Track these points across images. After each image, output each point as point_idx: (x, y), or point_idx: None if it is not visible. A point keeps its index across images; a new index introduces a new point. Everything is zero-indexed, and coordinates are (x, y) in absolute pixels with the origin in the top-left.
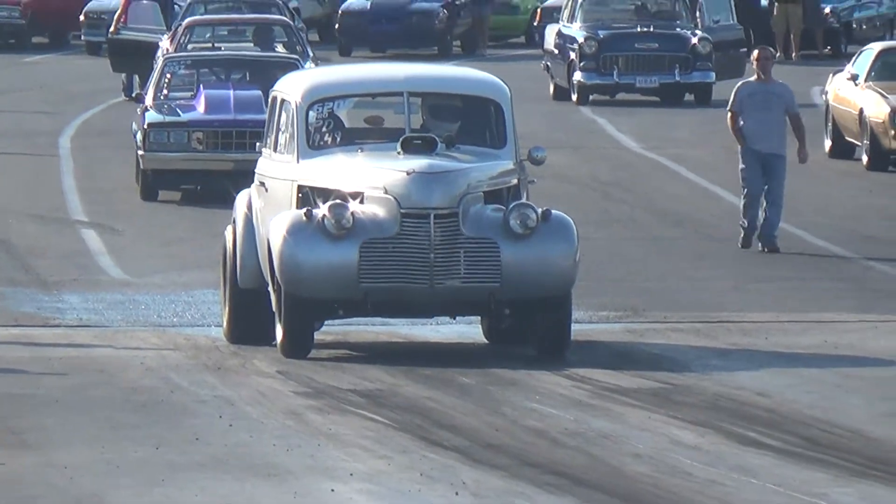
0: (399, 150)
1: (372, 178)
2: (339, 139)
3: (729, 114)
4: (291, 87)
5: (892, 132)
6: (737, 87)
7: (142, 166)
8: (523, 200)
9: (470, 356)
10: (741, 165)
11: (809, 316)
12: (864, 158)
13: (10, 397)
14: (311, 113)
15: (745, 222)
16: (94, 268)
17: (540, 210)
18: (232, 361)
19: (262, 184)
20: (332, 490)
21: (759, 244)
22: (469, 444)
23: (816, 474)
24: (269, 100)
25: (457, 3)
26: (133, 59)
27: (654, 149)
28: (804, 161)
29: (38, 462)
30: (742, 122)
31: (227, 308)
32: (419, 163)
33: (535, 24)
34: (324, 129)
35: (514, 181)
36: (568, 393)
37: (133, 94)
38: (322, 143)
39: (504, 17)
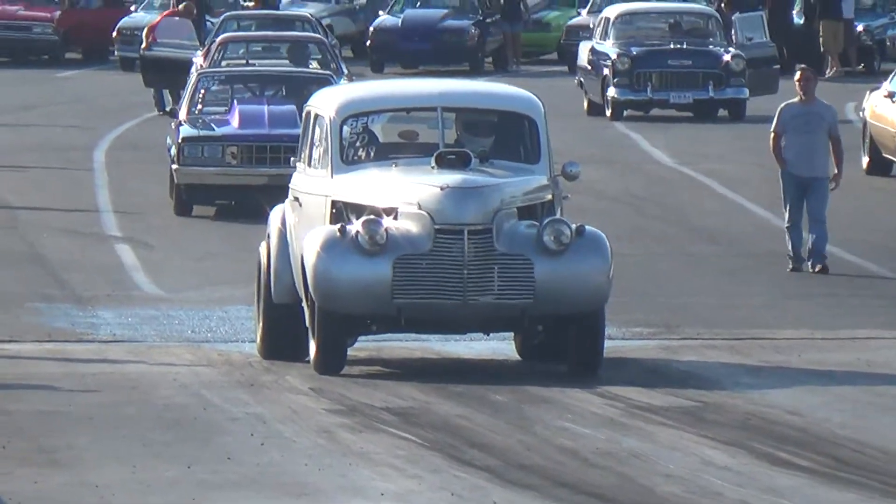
0: (433, 164)
1: (406, 194)
2: (373, 154)
3: (772, 135)
4: (325, 102)
5: None
6: (780, 108)
7: (176, 181)
8: (557, 216)
9: (502, 373)
10: (782, 189)
11: (843, 333)
12: None
13: (43, 414)
14: (345, 128)
15: (790, 248)
16: (128, 283)
17: (574, 226)
18: (265, 378)
19: (296, 199)
20: None
21: (810, 265)
22: (501, 464)
23: (848, 495)
24: (304, 115)
25: (487, 21)
26: (165, 74)
27: (688, 164)
28: (835, 188)
29: (70, 481)
30: (784, 144)
31: (260, 323)
32: (453, 178)
33: (562, 41)
34: (358, 143)
35: (549, 197)
36: (600, 411)
37: (167, 109)
38: (356, 157)
39: (535, 34)
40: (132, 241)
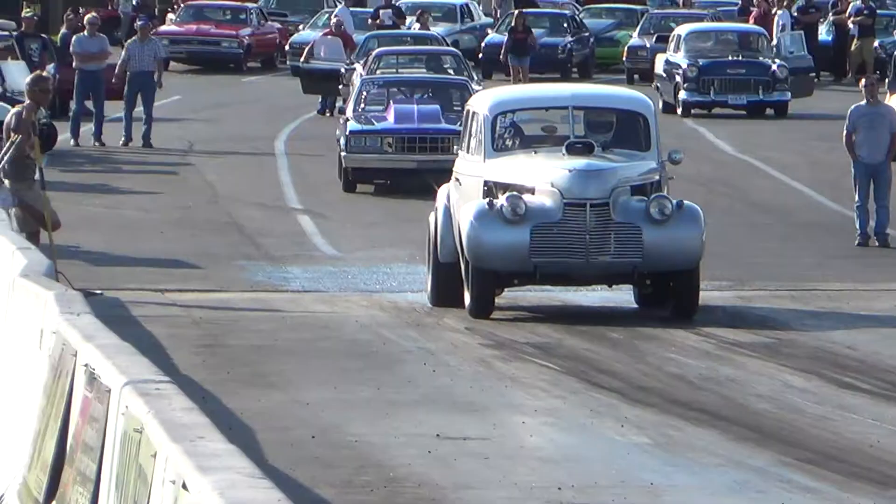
0: (564, 152)
1: (542, 175)
2: (517, 143)
3: (845, 133)
4: (481, 102)
5: None
6: (850, 110)
7: (344, 165)
8: (662, 193)
9: (615, 316)
10: (853, 176)
11: (880, 285)
12: None
13: (256, 348)
14: (496, 122)
15: (858, 226)
16: (310, 245)
17: (675, 201)
18: (427, 320)
19: (457, 179)
20: (523, 422)
21: (875, 241)
22: (625, 386)
23: None
24: (464, 112)
25: (571, 40)
26: (319, 83)
27: (746, 152)
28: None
29: (285, 399)
30: (855, 140)
31: (430, 278)
32: (579, 163)
33: (624, 59)
34: (506, 135)
35: (657, 177)
36: (698, 346)
37: (324, 113)
38: (504, 146)
39: (608, 49)
40: (310, 212)
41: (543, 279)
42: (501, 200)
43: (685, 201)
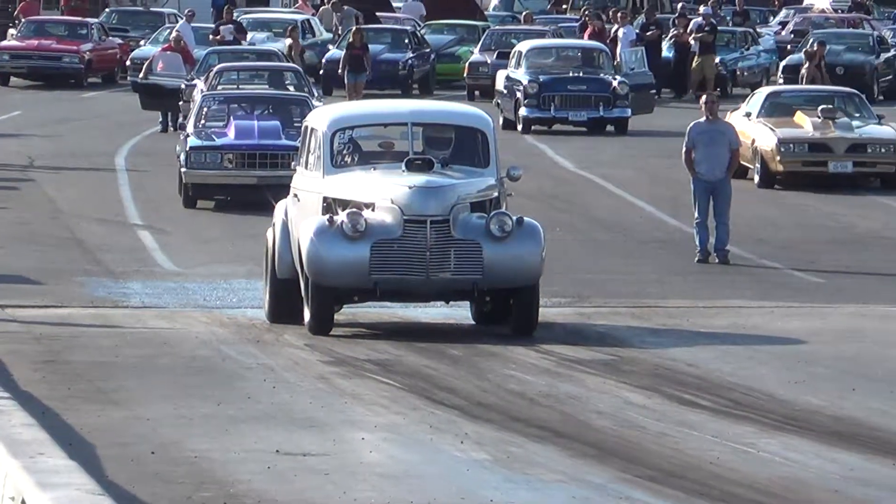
0: (404, 168)
1: (382, 191)
2: (356, 160)
3: (684, 149)
4: (319, 118)
5: (778, 158)
6: (689, 126)
7: (184, 181)
8: (502, 210)
9: (455, 333)
10: (693, 193)
11: (719, 302)
12: (756, 178)
13: (97, 364)
14: (334, 138)
15: (698, 243)
16: (150, 261)
17: (515, 217)
18: (267, 336)
19: (296, 195)
20: (363, 438)
21: (715, 257)
22: (465, 403)
23: (744, 428)
24: (302, 128)
25: (412, 56)
26: (158, 99)
27: (586, 169)
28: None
29: (126, 415)
30: (694, 157)
31: (268, 294)
32: (419, 179)
33: (465, 75)
34: (344, 151)
35: (496, 194)
36: (538, 363)
37: (166, 130)
38: (343, 162)
39: (448, 65)
40: (151, 228)
41: (383, 296)
42: (341, 217)
43: (525, 218)
